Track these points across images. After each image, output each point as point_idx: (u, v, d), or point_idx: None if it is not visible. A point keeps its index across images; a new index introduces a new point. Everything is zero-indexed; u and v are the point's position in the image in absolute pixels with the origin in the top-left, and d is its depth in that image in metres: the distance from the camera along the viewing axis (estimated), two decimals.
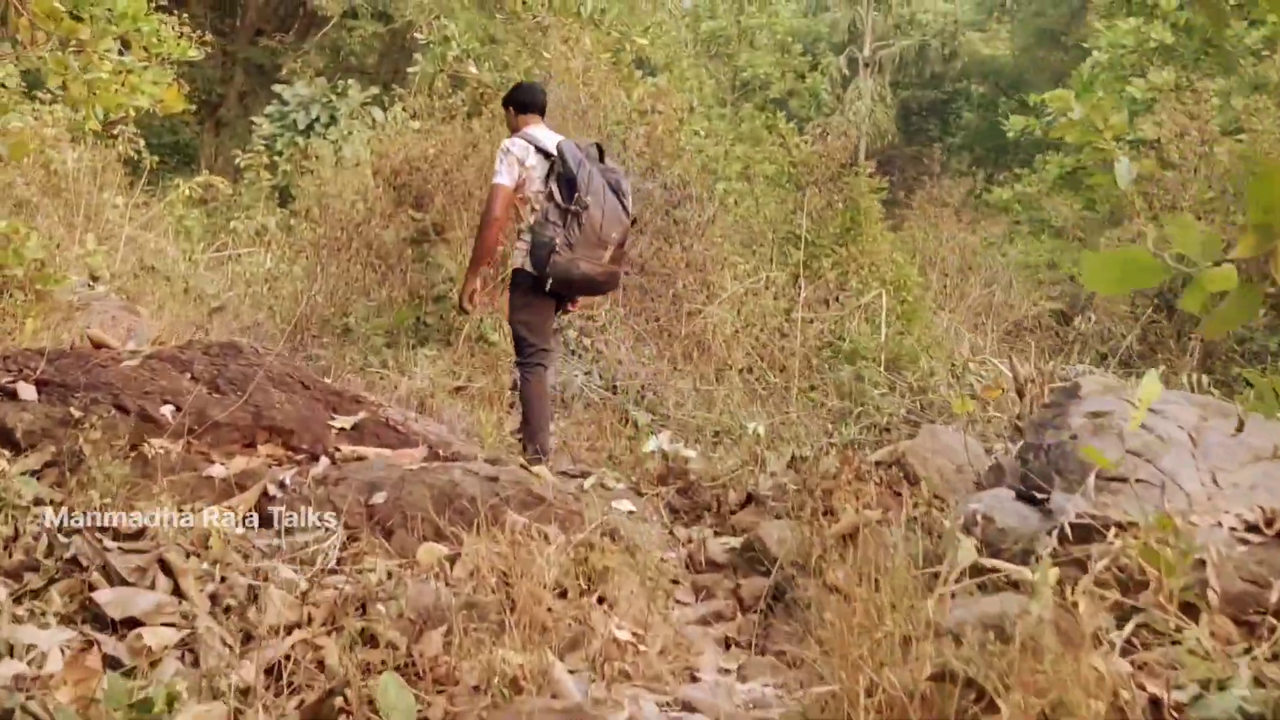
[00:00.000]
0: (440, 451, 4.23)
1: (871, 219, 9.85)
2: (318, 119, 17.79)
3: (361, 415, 4.42)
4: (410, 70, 10.42)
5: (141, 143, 15.17)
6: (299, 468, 4.00)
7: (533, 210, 5.26)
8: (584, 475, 4.87)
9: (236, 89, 25.21)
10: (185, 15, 10.27)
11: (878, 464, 4.40)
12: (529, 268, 5.25)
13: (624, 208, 5.26)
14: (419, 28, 10.30)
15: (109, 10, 7.57)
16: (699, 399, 7.03)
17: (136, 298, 12.10)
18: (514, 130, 5.57)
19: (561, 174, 5.19)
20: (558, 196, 5.17)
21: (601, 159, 5.40)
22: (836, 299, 9.59)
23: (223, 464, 4.00)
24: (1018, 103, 42.89)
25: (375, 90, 16.58)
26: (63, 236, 14.34)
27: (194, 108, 8.75)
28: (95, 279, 11.90)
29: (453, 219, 8.31)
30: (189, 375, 4.35)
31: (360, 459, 4.05)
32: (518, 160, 5.31)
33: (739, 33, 24.53)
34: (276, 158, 16.84)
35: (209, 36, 9.92)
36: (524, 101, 5.62)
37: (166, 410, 4.14)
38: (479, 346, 7.24)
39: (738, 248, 9.97)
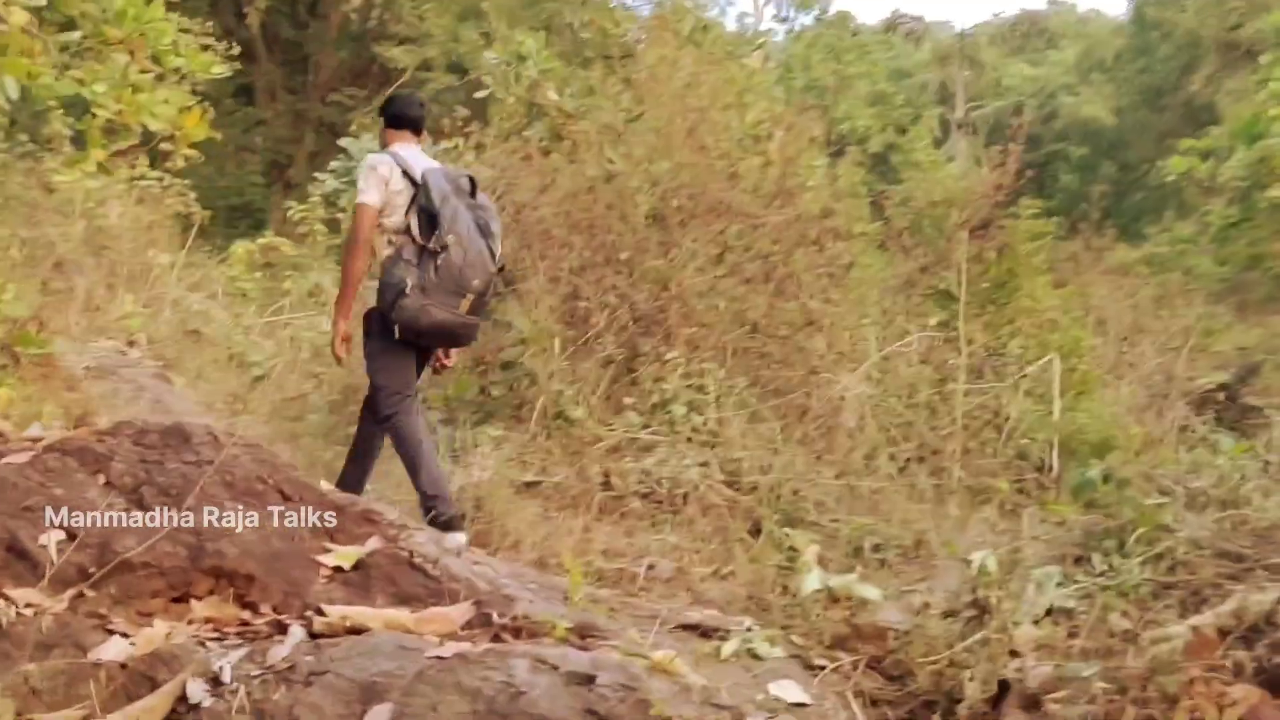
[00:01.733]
0: (495, 613, 2.55)
1: (1033, 271, 8.08)
2: None
3: (372, 546, 2.75)
4: (479, 95, 8.93)
5: (192, 196, 13.95)
6: (252, 644, 2.35)
7: (389, 244, 4.73)
8: (718, 633, 3.16)
9: (307, 149, 24.12)
10: (210, 25, 8.89)
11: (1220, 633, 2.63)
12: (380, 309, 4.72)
13: (491, 252, 4.73)
14: (493, 45, 8.81)
15: (103, 10, 6.15)
16: (845, 497, 5.30)
17: (173, 365, 10.69)
18: (384, 147, 5.02)
19: (424, 207, 4.65)
20: (415, 232, 4.65)
21: (474, 193, 4.82)
22: (992, 367, 7.82)
23: (126, 635, 2.37)
24: (1119, 166, 40.87)
25: (448, 145, 15.25)
26: (103, 297, 13.03)
27: (219, 137, 7.25)
28: (131, 343, 10.54)
29: (525, 265, 6.71)
30: (103, 478, 2.73)
31: (357, 631, 2.38)
32: (383, 180, 4.72)
33: (837, 84, 22.97)
34: (340, 214, 15.55)
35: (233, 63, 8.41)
36: (395, 115, 5.05)
37: (51, 540, 2.53)
38: (557, 426, 5.59)
39: (862, 305, 8.28)
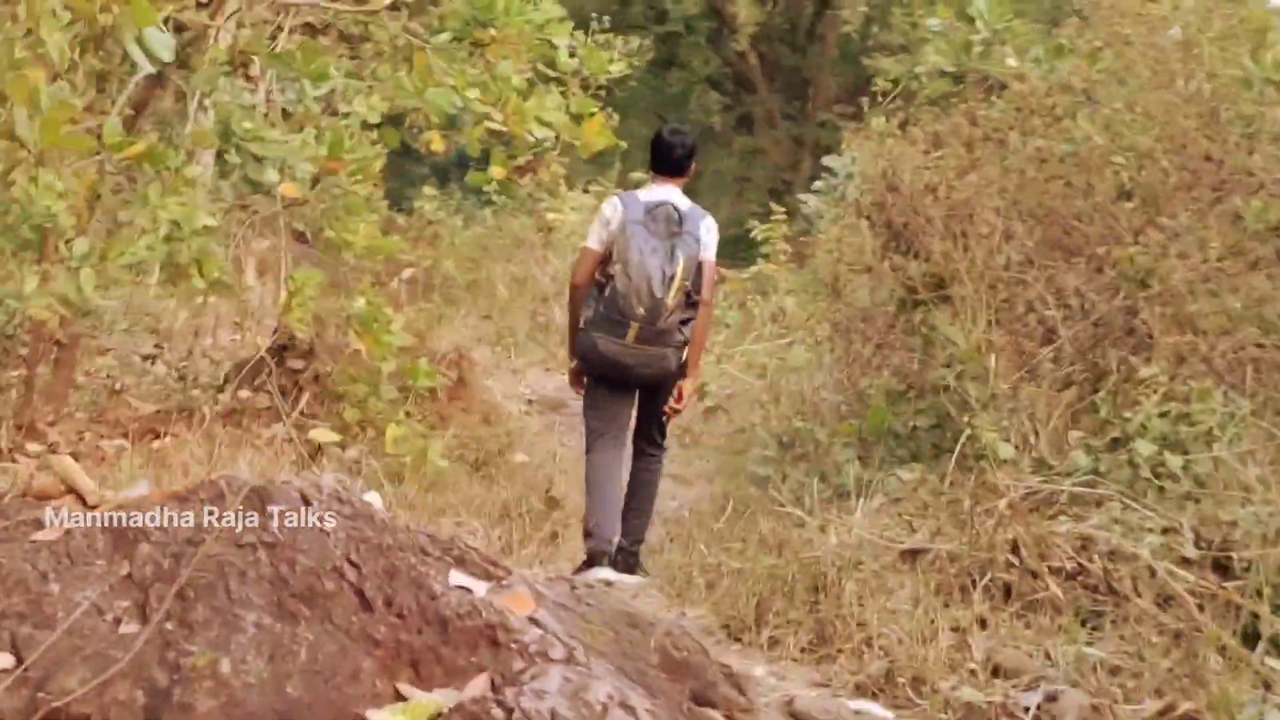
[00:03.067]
0: None
1: None
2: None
3: (470, 692, 1.68)
4: (918, 69, 7.65)
5: None
6: None
7: None
8: None
9: (804, 174, 23.64)
10: (628, 38, 8.39)
11: None
12: None
13: (665, 277, 4.66)
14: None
15: (473, 8, 5.59)
16: None
17: None
18: None
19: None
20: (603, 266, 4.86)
21: (681, 224, 4.79)
22: None
23: None
24: None
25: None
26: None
27: (624, 145, 6.52)
28: None
29: (960, 267, 5.36)
30: (127, 567, 1.89)
31: None
32: (606, 222, 4.93)
33: None
34: (819, 235, 14.82)
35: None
36: (652, 157, 5.11)
37: None
38: (982, 468, 4.20)
39: None
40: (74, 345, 6.18)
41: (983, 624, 3.03)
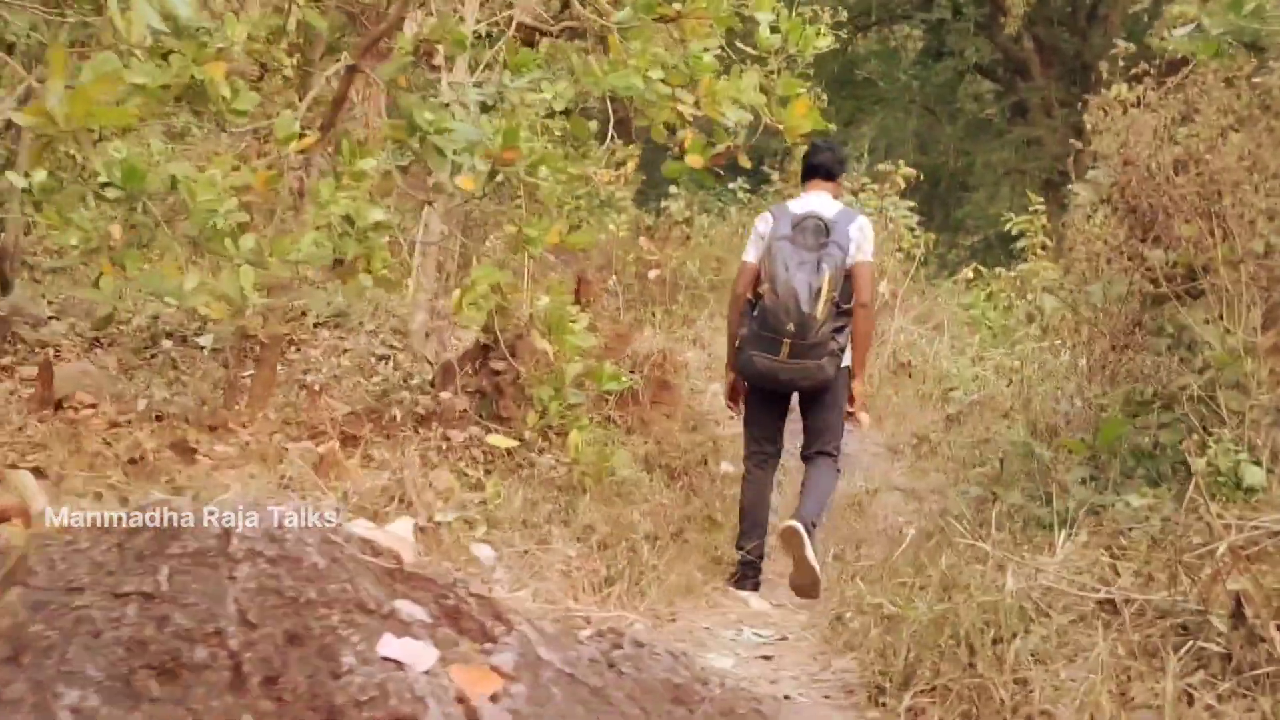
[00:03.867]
0: None
1: None
2: None
3: None
4: (1175, 33, 6.69)
5: (914, 220, 13.00)
6: None
7: None
8: None
9: (1084, 167, 22.03)
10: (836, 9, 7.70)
11: None
12: None
13: (812, 290, 4.64)
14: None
15: None
16: None
17: (866, 404, 9.71)
18: None
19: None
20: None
21: (828, 234, 4.78)
22: None
23: None
24: None
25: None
26: None
27: (832, 128, 5.90)
28: None
29: (1215, 257, 4.54)
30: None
31: None
32: (760, 235, 4.97)
33: None
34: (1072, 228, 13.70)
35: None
36: (803, 164, 5.28)
37: None
38: (1217, 489, 3.46)
39: None
40: (275, 345, 6.17)
41: (1186, 701, 2.37)
